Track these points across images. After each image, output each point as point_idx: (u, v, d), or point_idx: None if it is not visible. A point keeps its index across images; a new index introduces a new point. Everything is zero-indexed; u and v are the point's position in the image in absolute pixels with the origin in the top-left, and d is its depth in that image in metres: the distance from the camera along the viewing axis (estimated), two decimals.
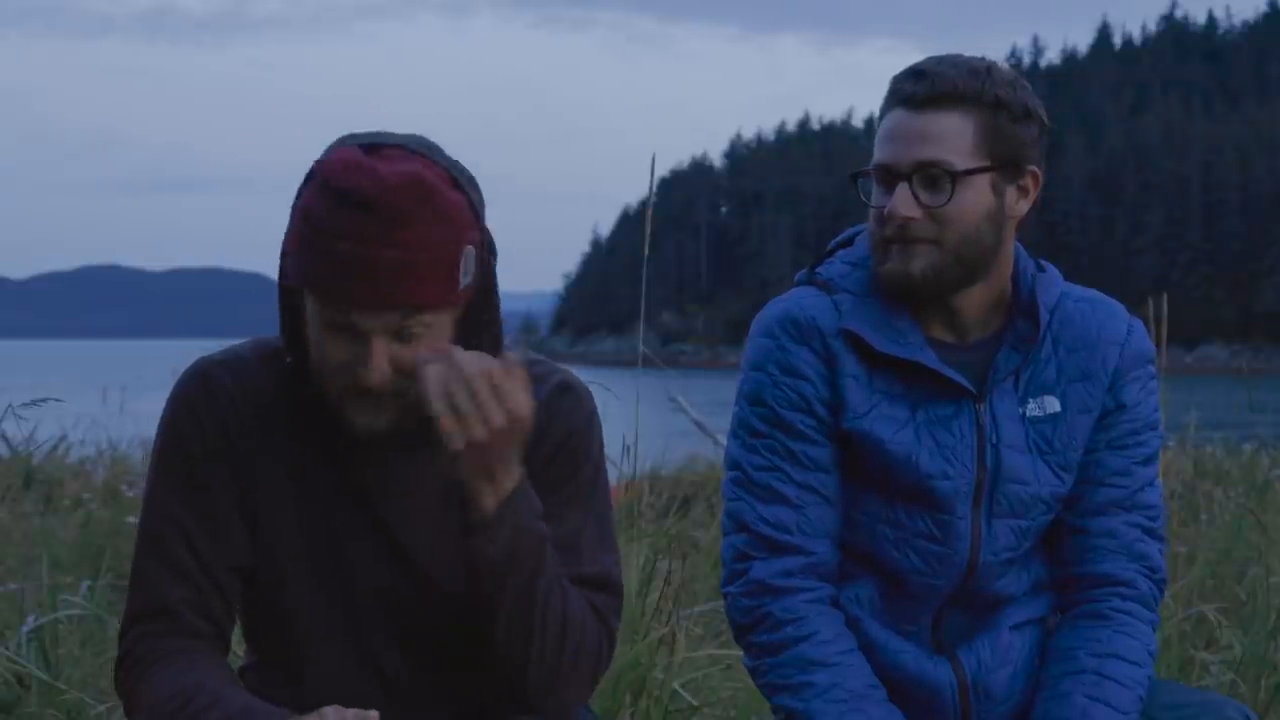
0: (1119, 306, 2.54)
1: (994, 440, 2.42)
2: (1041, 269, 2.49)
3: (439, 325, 2.11)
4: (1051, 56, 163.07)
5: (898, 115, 2.38)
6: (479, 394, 2.03)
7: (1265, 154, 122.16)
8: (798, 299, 2.48)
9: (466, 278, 2.10)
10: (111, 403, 9.89)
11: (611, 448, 3.85)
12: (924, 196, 2.36)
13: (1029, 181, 2.43)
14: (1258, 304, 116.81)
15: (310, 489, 2.20)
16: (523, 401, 2.05)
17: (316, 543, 2.20)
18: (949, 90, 2.35)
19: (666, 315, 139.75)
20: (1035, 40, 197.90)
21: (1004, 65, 2.42)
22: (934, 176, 2.35)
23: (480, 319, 2.16)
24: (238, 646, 2.62)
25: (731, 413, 2.50)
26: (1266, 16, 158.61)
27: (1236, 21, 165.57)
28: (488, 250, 2.16)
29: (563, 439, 2.23)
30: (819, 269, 2.52)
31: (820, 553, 2.43)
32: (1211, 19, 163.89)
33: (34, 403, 4.53)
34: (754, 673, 2.47)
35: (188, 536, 2.17)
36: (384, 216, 2.03)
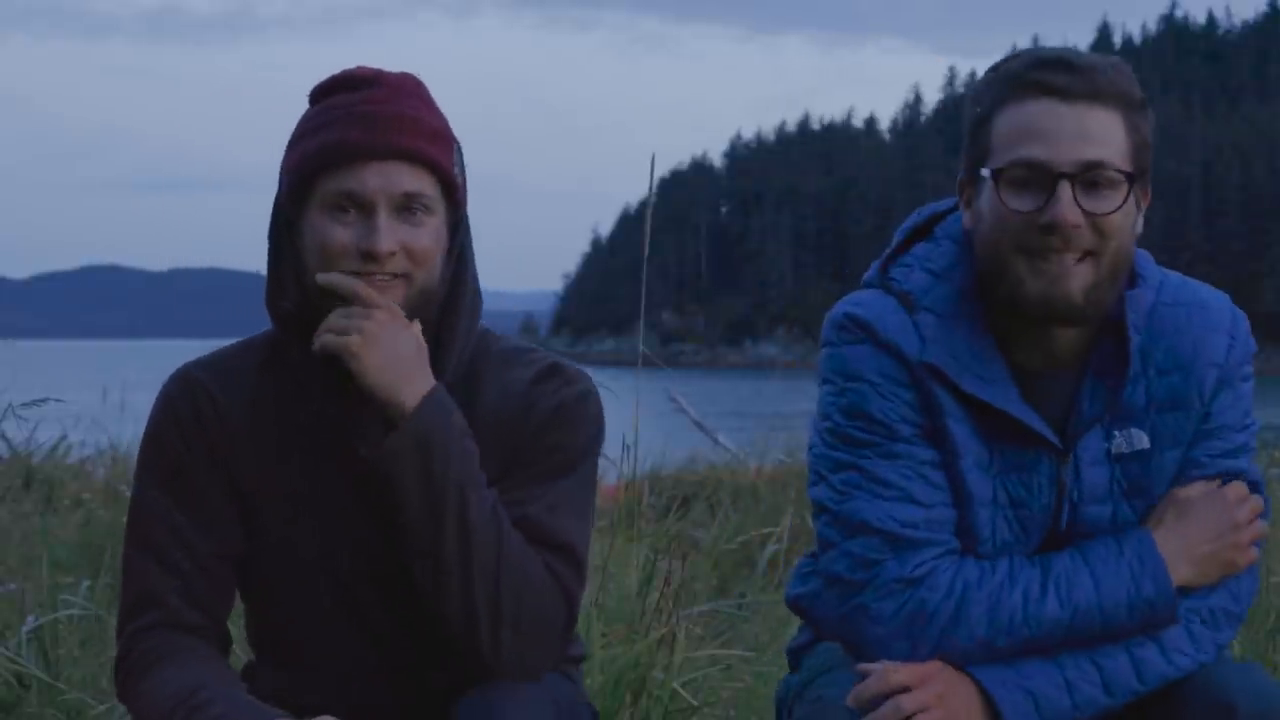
0: (1221, 311, 2.23)
1: (1075, 498, 2.20)
2: (1132, 283, 2.20)
3: (436, 219, 2.14)
4: None
5: (1046, 106, 2.08)
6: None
7: (1265, 154, 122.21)
8: (879, 313, 2.20)
9: (460, 176, 2.15)
10: (111, 403, 9.86)
11: (611, 448, 3.84)
12: (1085, 202, 2.08)
13: (1143, 197, 2.19)
14: (1258, 304, 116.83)
15: (301, 473, 2.23)
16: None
17: (312, 524, 2.23)
18: (1107, 86, 2.08)
19: (666, 315, 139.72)
20: (1035, 40, 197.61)
21: None
22: (1097, 180, 2.08)
23: (457, 291, 2.21)
24: (241, 649, 2.62)
25: (814, 427, 2.24)
26: (1266, 16, 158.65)
27: (1236, 21, 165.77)
28: (464, 226, 2.22)
29: (551, 412, 2.23)
30: (894, 274, 2.24)
31: (949, 540, 2.18)
32: (1211, 19, 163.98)
33: (34, 403, 4.54)
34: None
35: (173, 528, 2.21)
36: (383, 85, 2.13)
